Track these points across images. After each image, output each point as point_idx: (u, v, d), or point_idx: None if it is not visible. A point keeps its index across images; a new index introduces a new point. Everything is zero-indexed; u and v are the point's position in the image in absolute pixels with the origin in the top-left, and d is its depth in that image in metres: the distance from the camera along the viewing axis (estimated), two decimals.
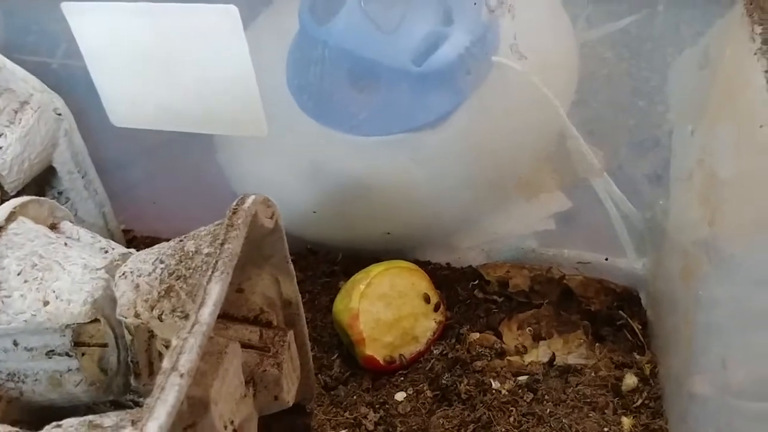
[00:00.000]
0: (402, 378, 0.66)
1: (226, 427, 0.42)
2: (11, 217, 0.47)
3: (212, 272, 0.40)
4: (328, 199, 0.71)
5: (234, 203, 0.44)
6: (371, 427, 0.63)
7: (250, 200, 0.45)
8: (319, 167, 0.69)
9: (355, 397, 0.66)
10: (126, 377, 0.48)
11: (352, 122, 0.65)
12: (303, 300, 0.73)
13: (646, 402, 0.62)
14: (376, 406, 0.65)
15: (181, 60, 0.62)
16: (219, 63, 0.61)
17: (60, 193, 0.71)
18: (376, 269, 0.67)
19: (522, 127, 0.66)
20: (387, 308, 0.66)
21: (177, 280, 0.43)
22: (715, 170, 0.57)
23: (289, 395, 0.52)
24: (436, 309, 0.68)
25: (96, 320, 0.47)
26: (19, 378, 0.47)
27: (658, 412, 0.61)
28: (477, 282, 0.72)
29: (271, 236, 0.51)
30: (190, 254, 0.44)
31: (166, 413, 0.34)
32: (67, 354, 0.47)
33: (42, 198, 0.51)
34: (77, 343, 0.47)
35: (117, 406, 0.52)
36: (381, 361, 0.65)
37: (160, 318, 0.43)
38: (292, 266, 0.54)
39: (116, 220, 0.75)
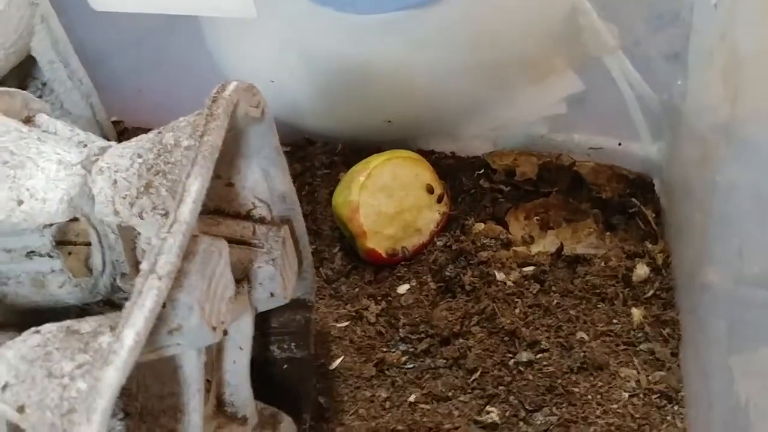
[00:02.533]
0: (405, 270, 0.64)
1: (215, 329, 0.40)
2: None
3: (192, 167, 0.37)
4: (324, 85, 0.67)
5: (214, 91, 0.41)
6: (373, 319, 0.62)
7: (231, 87, 0.41)
8: (312, 50, 0.65)
9: (356, 289, 0.64)
10: (112, 278, 0.46)
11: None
12: (302, 193, 0.71)
13: (658, 293, 0.60)
14: (378, 298, 0.63)
15: None
16: None
17: (44, 85, 0.67)
18: (376, 160, 0.64)
19: (529, 4, 0.61)
20: (388, 200, 0.63)
21: (156, 175, 0.40)
22: (738, 46, 0.53)
23: (286, 292, 0.50)
24: (439, 200, 0.66)
25: (77, 219, 0.44)
26: (1, 280, 0.45)
27: (669, 303, 0.59)
28: (483, 171, 0.69)
29: (259, 126, 0.48)
30: (169, 147, 0.41)
31: (144, 318, 0.32)
32: (48, 255, 0.45)
33: (13, 90, 0.47)
34: (62, 242, 0.45)
35: (110, 306, 0.50)
36: (383, 254, 0.64)
37: (140, 216, 0.40)
38: (284, 158, 0.50)
39: (105, 112, 0.71)
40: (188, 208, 0.36)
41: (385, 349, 0.60)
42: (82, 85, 0.68)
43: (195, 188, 0.37)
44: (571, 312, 0.59)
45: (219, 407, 0.48)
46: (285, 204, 0.53)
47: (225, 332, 0.41)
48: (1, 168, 0.42)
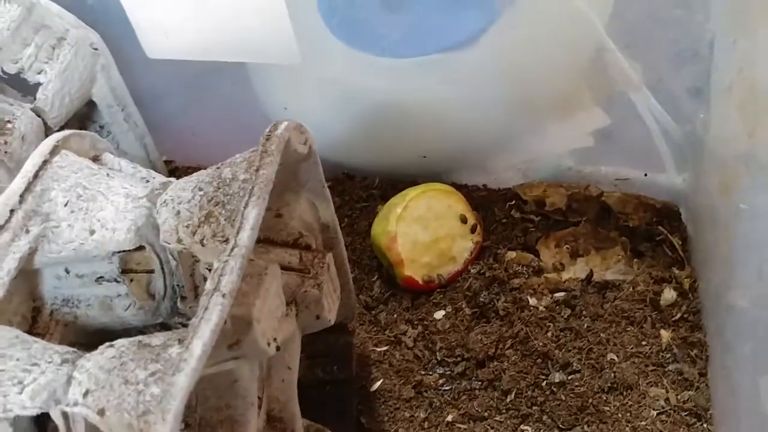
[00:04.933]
0: (440, 297, 0.67)
1: (269, 344, 0.44)
2: (55, 151, 0.48)
3: (249, 198, 0.41)
4: (363, 124, 0.72)
5: (267, 130, 0.45)
6: (411, 344, 0.65)
7: (282, 126, 0.45)
8: (352, 92, 0.69)
9: (395, 315, 0.67)
10: (173, 301, 0.50)
11: (383, 44, 0.65)
12: (342, 224, 0.75)
13: (685, 316, 0.62)
14: (415, 323, 0.66)
15: None
16: None
17: (101, 127, 0.73)
18: (412, 192, 0.68)
19: (557, 43, 0.65)
20: (424, 230, 0.67)
21: (216, 206, 0.44)
22: (756, 80, 0.56)
23: (330, 314, 0.54)
24: (473, 230, 0.69)
25: (141, 247, 0.48)
26: (73, 303, 0.49)
27: (696, 325, 0.62)
28: (514, 202, 0.72)
29: (306, 162, 0.52)
30: (227, 181, 0.45)
31: (210, 331, 0.36)
32: (115, 280, 0.49)
33: (83, 131, 0.52)
34: (125, 270, 0.49)
35: (165, 328, 0.54)
36: (420, 281, 0.67)
37: (201, 243, 0.44)
38: (328, 191, 0.54)
39: (157, 151, 0.76)
40: (247, 234, 0.40)
41: (422, 372, 0.63)
42: (137, 127, 0.74)
43: (252, 216, 0.41)
44: (602, 335, 0.61)
45: (269, 423, 0.52)
46: (328, 233, 0.57)
47: (278, 348, 0.45)
48: (76, 201, 0.47)
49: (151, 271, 0.51)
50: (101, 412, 0.36)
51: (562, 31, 0.64)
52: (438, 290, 0.68)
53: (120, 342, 0.39)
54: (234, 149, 0.53)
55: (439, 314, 0.66)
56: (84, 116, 0.71)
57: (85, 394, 0.37)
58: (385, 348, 0.65)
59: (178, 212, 0.45)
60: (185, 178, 0.48)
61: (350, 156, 0.75)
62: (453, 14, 0.62)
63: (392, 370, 0.64)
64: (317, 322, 0.54)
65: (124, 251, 0.48)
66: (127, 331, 0.52)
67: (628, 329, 0.62)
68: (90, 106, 0.69)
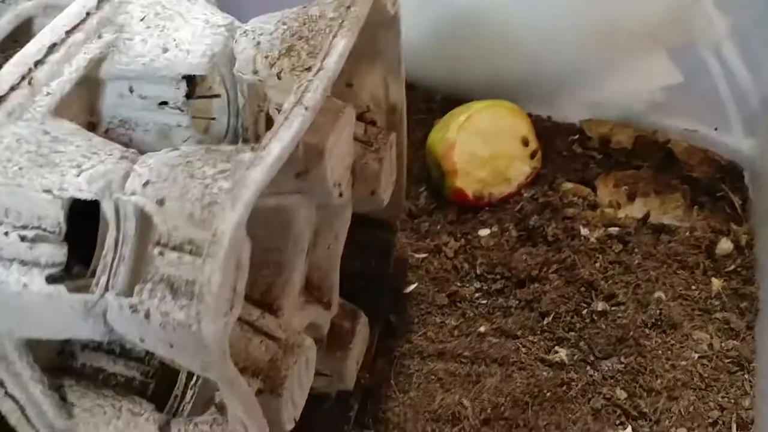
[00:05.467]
0: (488, 215, 0.66)
1: (335, 185, 0.42)
2: None
3: (338, 29, 0.40)
4: (435, 32, 0.70)
5: None
6: (451, 255, 0.63)
7: None
8: None
9: (438, 226, 0.66)
10: (233, 144, 0.49)
11: None
12: None
13: (739, 269, 0.60)
14: (459, 236, 0.65)
15: None
16: None
17: None
18: (478, 104, 0.66)
19: None
20: (484, 144, 0.65)
21: (299, 40, 0.43)
22: None
23: (385, 194, 0.52)
24: (532, 155, 0.67)
25: (212, 96, 0.47)
26: (130, 125, 0.47)
27: (749, 279, 0.60)
28: (577, 137, 0.70)
29: (388, 30, 0.50)
30: (314, 18, 0.43)
31: (290, 138, 0.34)
32: (179, 108, 0.47)
33: None
34: (191, 110, 0.48)
35: None
36: (470, 195, 0.65)
37: (278, 75, 0.43)
38: (403, 69, 0.53)
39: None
40: (333, 60, 0.38)
41: (459, 284, 0.61)
42: None
43: (341, 45, 0.39)
44: (652, 273, 0.60)
45: (307, 288, 0.50)
46: (394, 115, 0.55)
47: (340, 194, 0.43)
48: (153, 18, 0.45)
49: (212, 119, 0.49)
50: (161, 202, 0.34)
51: None
52: (486, 208, 0.66)
53: (186, 147, 0.38)
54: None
55: (484, 232, 0.64)
56: None
57: (145, 184, 0.35)
58: (423, 255, 0.63)
59: (258, 43, 0.44)
60: (268, 13, 0.46)
61: (416, 65, 0.72)
62: None
63: (428, 276, 0.62)
64: (371, 198, 0.52)
65: (193, 75, 0.46)
66: None
67: (679, 272, 0.60)
68: None
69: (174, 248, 0.33)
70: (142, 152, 0.48)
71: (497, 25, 0.67)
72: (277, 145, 0.33)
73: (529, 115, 0.72)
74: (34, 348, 0.40)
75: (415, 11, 0.69)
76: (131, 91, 0.47)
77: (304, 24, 0.43)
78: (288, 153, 0.34)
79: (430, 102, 0.74)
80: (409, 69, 0.74)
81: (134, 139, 0.48)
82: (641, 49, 0.68)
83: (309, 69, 0.40)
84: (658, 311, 0.57)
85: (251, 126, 0.48)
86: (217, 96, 0.49)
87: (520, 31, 0.67)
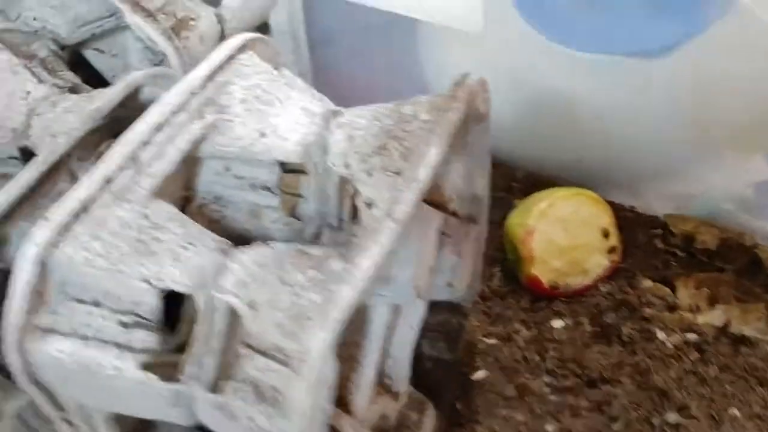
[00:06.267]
0: (562, 306, 0.65)
1: (416, 288, 0.42)
2: (242, 49, 0.48)
3: (431, 136, 0.40)
4: (524, 111, 0.69)
5: (456, 78, 0.44)
6: (522, 344, 0.62)
7: (472, 78, 0.44)
8: (522, 75, 0.67)
9: (510, 312, 0.65)
10: (317, 228, 0.49)
11: (574, 34, 0.63)
12: None
13: None
14: (531, 325, 0.64)
15: None
16: None
17: None
18: (561, 191, 0.65)
19: (752, 77, 0.61)
20: (563, 233, 0.64)
21: (392, 139, 0.43)
22: None
23: (461, 285, 0.52)
24: (612, 249, 0.66)
25: (301, 172, 0.47)
26: (223, 202, 0.48)
27: None
28: (660, 231, 0.69)
29: (479, 124, 0.50)
30: (407, 118, 0.44)
31: (379, 252, 0.34)
32: (270, 190, 0.48)
33: (268, 38, 0.51)
34: (280, 185, 0.49)
35: None
36: (545, 284, 0.64)
37: (369, 172, 0.43)
38: (489, 161, 0.52)
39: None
40: (425, 171, 0.38)
41: (528, 376, 0.60)
42: (300, 60, 0.73)
43: (433, 154, 0.39)
44: (728, 387, 0.57)
45: (378, 377, 0.50)
46: (476, 206, 0.55)
47: (419, 295, 0.43)
48: (253, 101, 0.46)
49: (300, 196, 0.50)
50: (252, 305, 0.35)
51: (760, 66, 0.61)
52: (560, 299, 0.65)
53: (277, 244, 0.38)
54: (384, 99, 0.52)
55: (557, 323, 0.63)
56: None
57: (238, 284, 0.36)
58: (494, 341, 0.63)
59: (352, 137, 0.44)
60: (361, 107, 0.46)
61: (501, 142, 0.73)
62: (654, 19, 0.60)
63: (497, 365, 0.61)
64: (447, 289, 0.52)
65: (286, 162, 0.47)
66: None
67: (757, 389, 0.58)
68: (262, 28, 0.70)
69: (262, 353, 0.34)
70: (232, 230, 0.50)
71: (588, 110, 0.67)
72: (368, 261, 0.34)
73: (611, 203, 0.71)
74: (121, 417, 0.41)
75: (506, 85, 0.69)
76: (227, 170, 0.48)
77: (397, 123, 0.44)
78: (378, 268, 0.34)
79: (511, 180, 0.74)
80: (493, 144, 0.74)
81: (226, 215, 0.49)
82: (736, 146, 0.66)
83: (400, 172, 0.41)
84: (731, 430, 0.55)
85: (336, 211, 0.49)
86: (306, 173, 0.50)
87: (611, 117, 0.67)
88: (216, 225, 0.48)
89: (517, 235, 0.64)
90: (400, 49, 0.76)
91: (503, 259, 0.68)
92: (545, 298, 0.65)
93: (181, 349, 0.38)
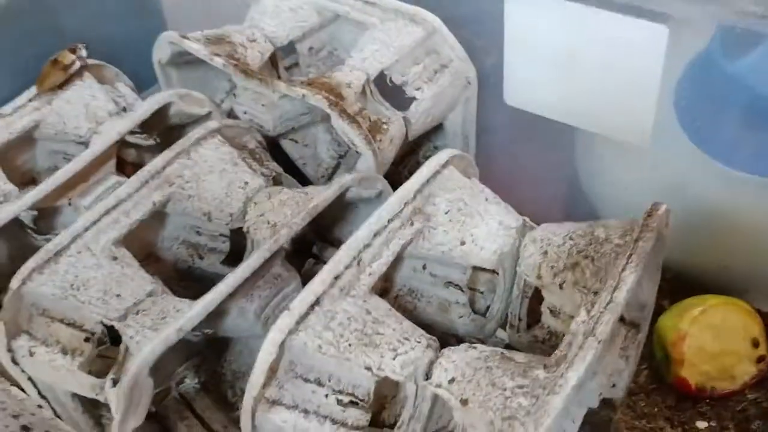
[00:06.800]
0: (707, 408, 0.67)
1: (598, 394, 0.47)
2: (446, 164, 0.55)
3: (627, 262, 0.45)
4: (678, 221, 0.73)
5: (649, 208, 0.49)
6: None
7: (663, 208, 0.49)
8: (679, 188, 0.71)
9: (655, 409, 0.68)
10: (498, 325, 0.55)
11: (734, 156, 0.67)
12: None
13: None
14: (676, 424, 0.67)
15: (593, 60, 0.67)
16: (628, 72, 0.65)
17: (435, 148, 0.80)
18: (714, 299, 0.69)
19: None
20: (714, 339, 0.67)
21: (584, 258, 0.49)
22: None
23: (624, 385, 0.56)
24: (761, 358, 0.68)
25: (494, 272, 0.53)
26: (416, 295, 0.55)
27: None
28: None
29: (658, 244, 0.55)
30: (600, 240, 0.49)
31: (584, 369, 0.39)
32: (461, 289, 0.54)
33: (465, 154, 0.58)
34: (470, 284, 0.55)
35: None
36: (692, 386, 0.67)
37: (560, 285, 0.49)
38: (660, 273, 0.57)
39: None
40: (623, 295, 0.43)
41: None
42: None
43: (630, 280, 0.44)
44: None
45: None
46: (642, 312, 0.59)
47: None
48: (456, 213, 0.53)
49: (480, 292, 0.56)
50: (464, 402, 0.41)
51: None
52: (706, 401, 0.68)
53: (482, 347, 0.44)
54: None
55: (702, 424, 0.66)
56: (426, 133, 0.78)
57: (451, 381, 0.42)
58: None
59: (546, 252, 0.50)
60: (555, 224, 0.52)
61: None
62: None
63: None
64: (611, 390, 0.56)
65: (481, 268, 0.53)
66: (447, 338, 0.57)
67: None
68: (436, 127, 0.77)
69: None
70: (422, 320, 0.56)
71: (742, 223, 0.70)
72: (574, 375, 0.39)
73: (758, 311, 0.74)
74: None
75: (668, 199, 0.74)
76: (424, 268, 0.55)
77: (590, 244, 0.49)
78: (583, 382, 0.40)
79: (660, 279, 0.77)
80: None
81: (417, 307, 0.55)
82: None
83: (591, 290, 0.46)
84: None
85: (518, 312, 0.55)
86: (494, 272, 0.55)
87: (764, 231, 0.70)
88: (408, 315, 0.55)
89: (669, 337, 0.68)
90: (556, 149, 0.81)
91: (651, 357, 0.72)
92: (691, 398, 0.68)
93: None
